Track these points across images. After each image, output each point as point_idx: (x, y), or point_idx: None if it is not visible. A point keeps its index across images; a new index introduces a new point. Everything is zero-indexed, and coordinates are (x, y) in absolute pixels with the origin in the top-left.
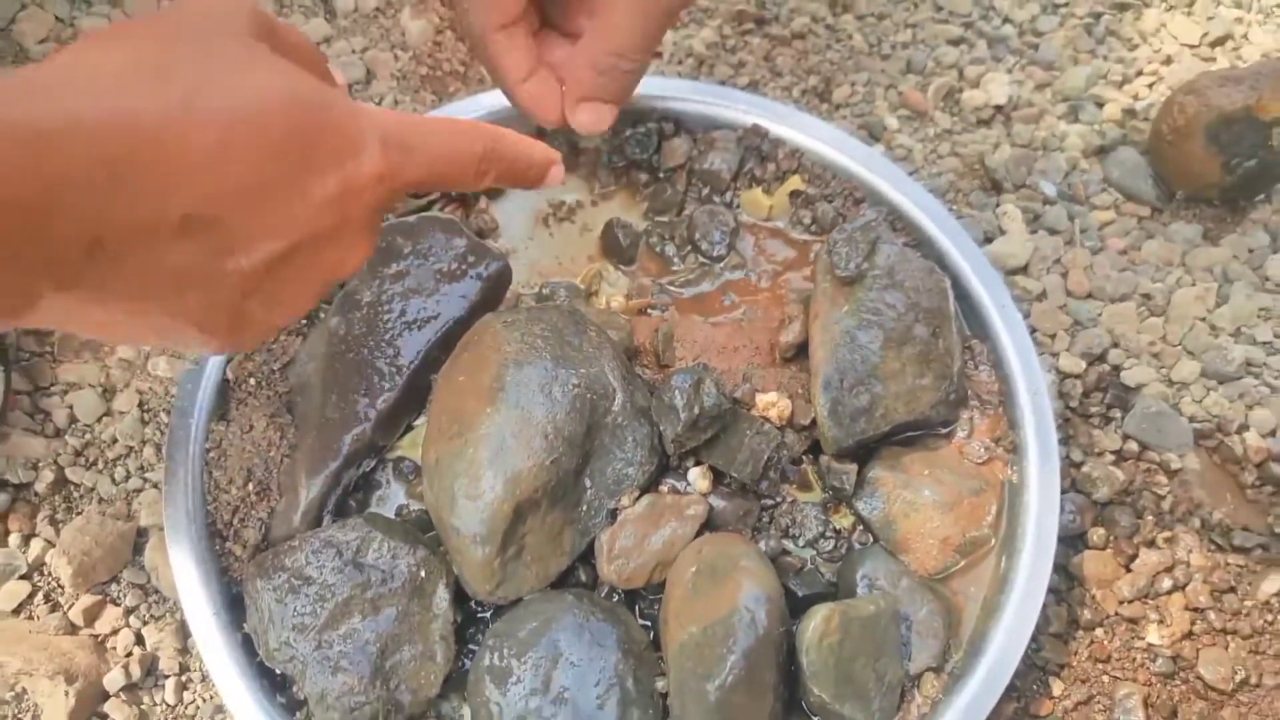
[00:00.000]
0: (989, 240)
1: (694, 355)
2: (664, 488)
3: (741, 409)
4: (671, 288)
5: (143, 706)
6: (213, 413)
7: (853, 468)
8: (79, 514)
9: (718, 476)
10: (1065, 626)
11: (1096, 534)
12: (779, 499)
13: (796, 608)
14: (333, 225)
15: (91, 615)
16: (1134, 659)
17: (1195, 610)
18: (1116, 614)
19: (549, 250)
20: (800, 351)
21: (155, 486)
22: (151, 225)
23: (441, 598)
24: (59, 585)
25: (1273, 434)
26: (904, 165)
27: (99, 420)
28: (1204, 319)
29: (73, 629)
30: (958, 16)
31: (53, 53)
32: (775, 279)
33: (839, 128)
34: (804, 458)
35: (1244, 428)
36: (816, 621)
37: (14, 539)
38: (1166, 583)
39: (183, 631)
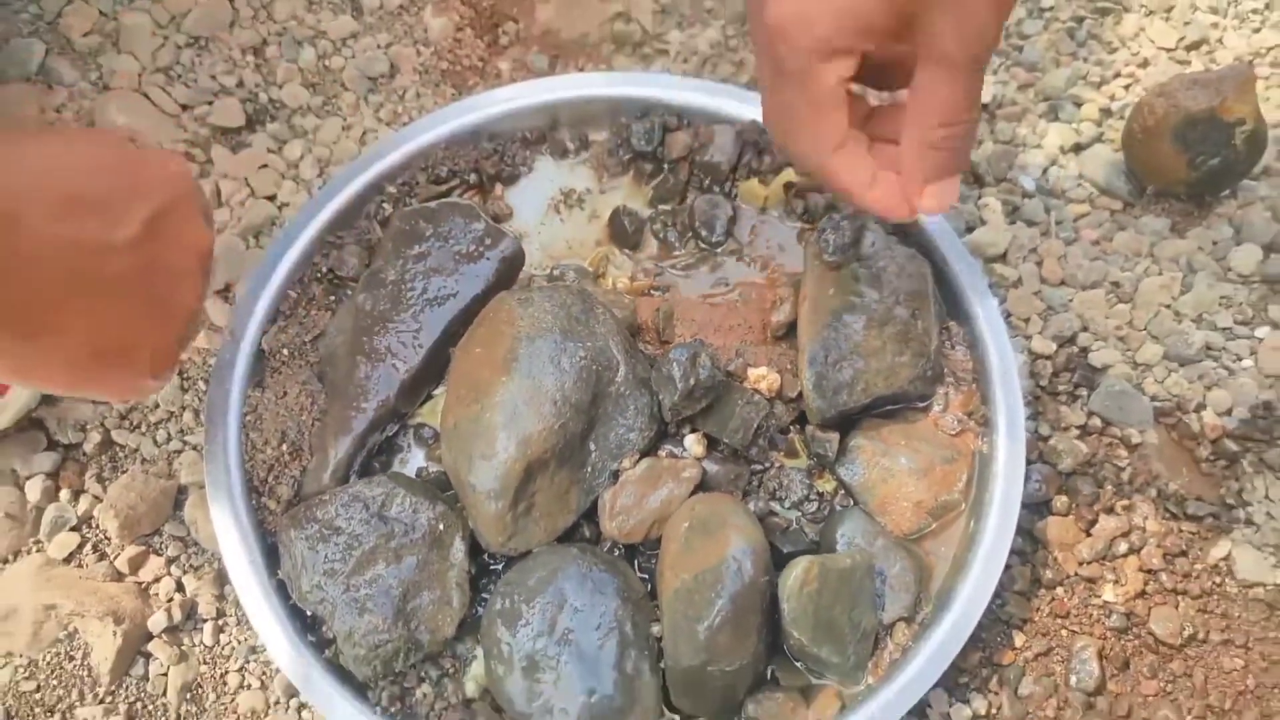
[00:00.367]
0: (970, 230)
1: (692, 333)
2: (662, 452)
3: (734, 381)
4: (673, 271)
5: (183, 647)
6: (249, 380)
7: (835, 436)
8: (124, 472)
9: (712, 443)
10: (1028, 585)
11: (1060, 501)
12: (767, 464)
13: (781, 563)
14: (172, 201)
15: (136, 564)
16: (1091, 615)
17: (1148, 572)
18: (1076, 574)
19: (560, 235)
20: (790, 330)
21: (194, 448)
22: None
23: (458, 549)
24: (106, 537)
25: (1228, 413)
26: None
27: None
28: (1169, 306)
29: (119, 576)
30: None
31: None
32: (769, 264)
33: None
34: (791, 427)
35: (1201, 406)
36: (797, 572)
37: (64, 494)
38: (1123, 546)
39: (220, 580)
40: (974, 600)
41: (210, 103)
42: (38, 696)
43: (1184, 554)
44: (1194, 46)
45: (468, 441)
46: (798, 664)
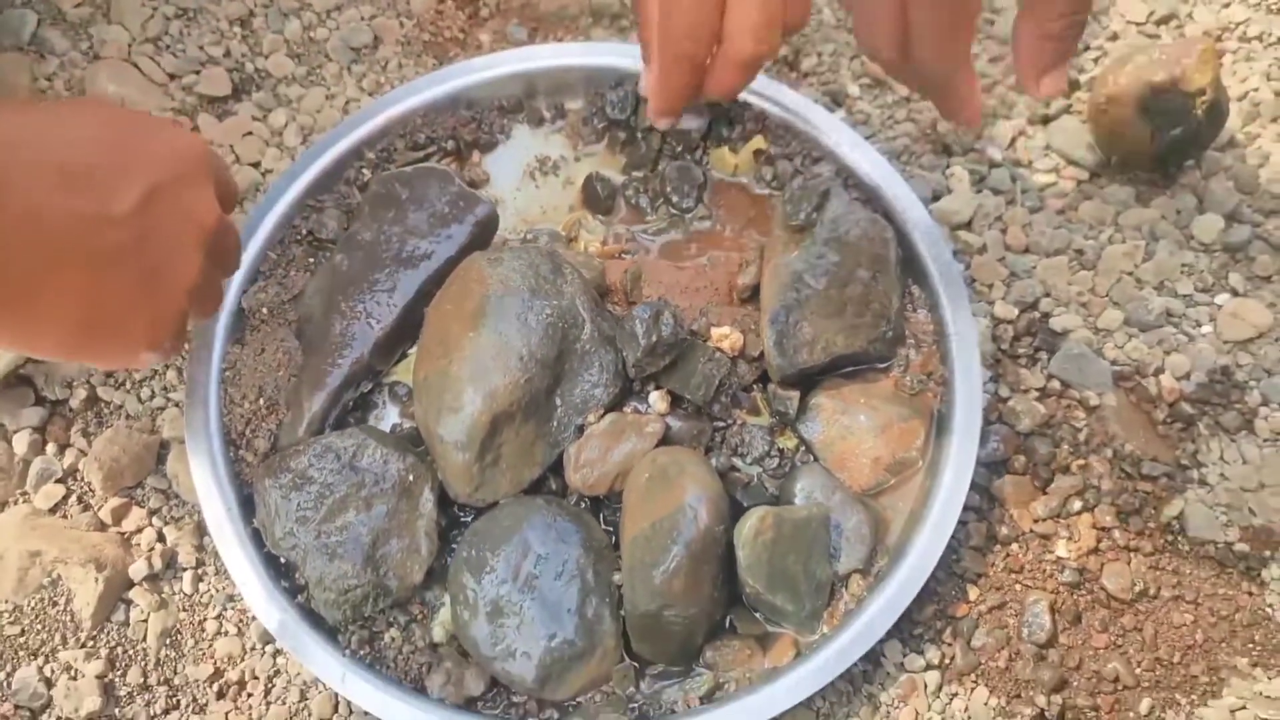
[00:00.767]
0: (937, 198)
1: (659, 294)
2: (627, 408)
3: (697, 340)
4: (644, 235)
5: (163, 594)
6: (229, 337)
7: (796, 394)
8: (108, 428)
9: (675, 400)
10: (984, 541)
11: (1018, 461)
12: (730, 421)
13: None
14: (175, 174)
15: (119, 515)
16: (1044, 570)
17: (1102, 529)
18: (1030, 531)
19: (534, 200)
20: (755, 293)
21: (177, 405)
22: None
23: (427, 499)
24: (90, 489)
25: (1186, 377)
26: (862, 129)
27: None
28: (1131, 273)
29: (102, 526)
30: None
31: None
32: (737, 229)
33: (802, 94)
34: (754, 386)
35: (1160, 370)
36: (752, 521)
37: (50, 448)
38: (1077, 505)
39: (199, 531)
40: (927, 553)
41: (198, 72)
42: (22, 640)
43: (1137, 512)
44: (1163, 21)
45: (436, 395)
46: (755, 613)
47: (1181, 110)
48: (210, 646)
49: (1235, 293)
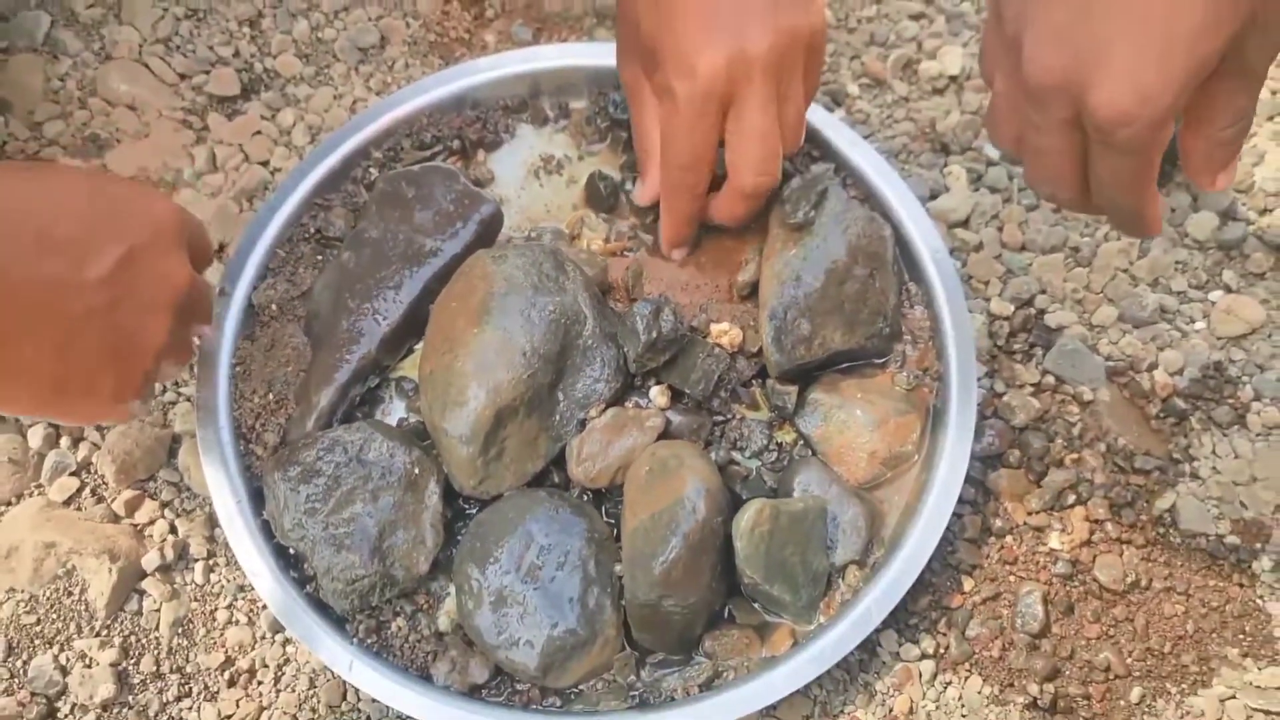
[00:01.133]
0: (934, 197)
1: (660, 291)
2: (628, 403)
3: (697, 336)
4: (645, 234)
5: (175, 585)
6: (239, 332)
7: (794, 389)
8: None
9: (676, 395)
10: (979, 533)
11: (1012, 455)
12: (729, 416)
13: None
14: (150, 239)
15: (132, 507)
16: (1038, 562)
17: (1095, 522)
18: (1024, 523)
19: (539, 199)
20: (755, 291)
21: (188, 400)
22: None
23: (432, 491)
24: (104, 481)
25: (1180, 372)
26: (861, 129)
27: None
28: (1125, 270)
29: (115, 518)
30: None
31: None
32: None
33: None
34: (753, 381)
35: (1154, 366)
36: (750, 513)
37: (64, 442)
38: (1071, 498)
39: (210, 522)
40: (922, 545)
41: (207, 72)
42: (38, 629)
43: (1130, 505)
44: None
45: (441, 389)
46: (754, 604)
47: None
48: (221, 635)
49: (1229, 289)
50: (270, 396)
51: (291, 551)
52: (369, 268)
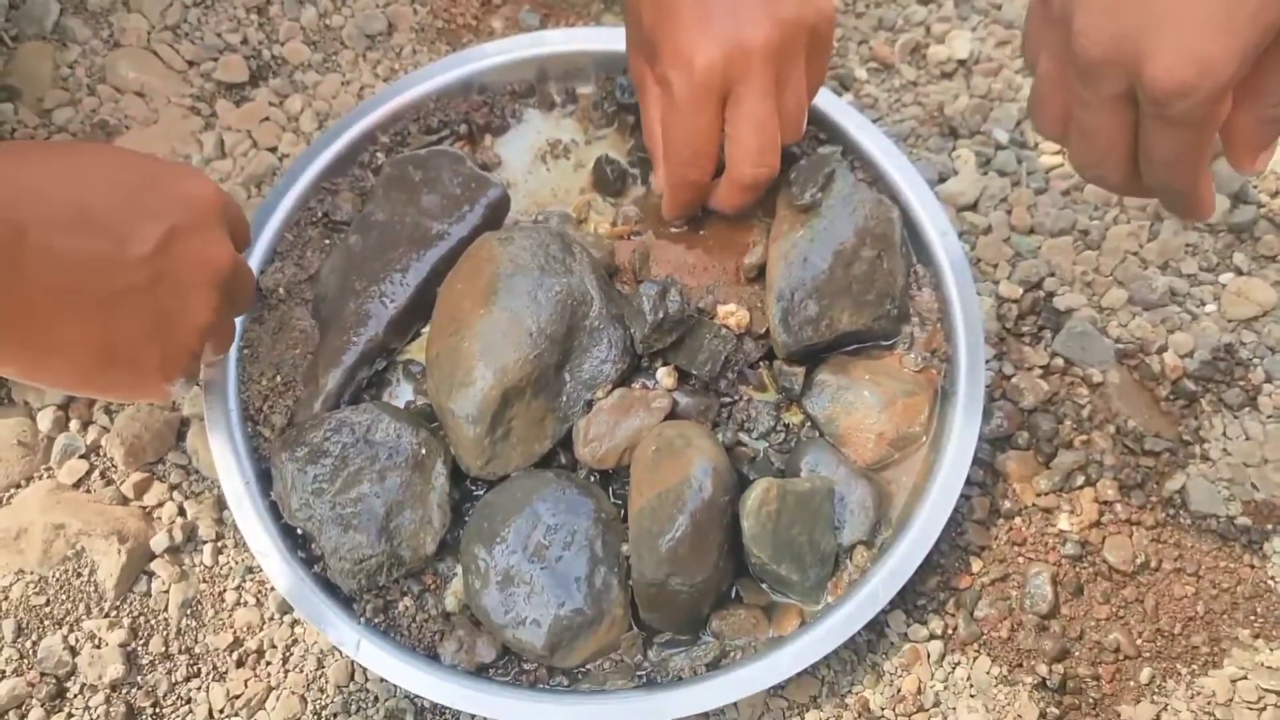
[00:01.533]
0: (943, 180)
1: (667, 273)
2: (635, 384)
3: (705, 317)
4: (654, 218)
5: (184, 566)
6: (247, 315)
7: (801, 370)
8: (130, 405)
9: (683, 376)
10: (987, 515)
11: (1021, 437)
12: (737, 397)
13: None
14: (190, 219)
15: (140, 489)
16: (1046, 543)
17: (1104, 503)
18: (1033, 505)
19: (546, 183)
20: (762, 273)
21: (197, 383)
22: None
23: (439, 472)
24: (113, 464)
25: (1190, 354)
26: (870, 113)
27: None
28: (1135, 253)
29: (124, 501)
30: None
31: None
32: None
33: None
34: (761, 363)
35: (1164, 348)
36: (757, 492)
37: (74, 425)
38: (1079, 479)
39: (219, 505)
40: (930, 525)
41: (215, 59)
42: (47, 610)
43: (1139, 487)
44: None
45: (448, 370)
46: (761, 584)
47: None
48: (230, 616)
49: (1240, 271)
50: (278, 379)
51: (299, 532)
52: (376, 251)
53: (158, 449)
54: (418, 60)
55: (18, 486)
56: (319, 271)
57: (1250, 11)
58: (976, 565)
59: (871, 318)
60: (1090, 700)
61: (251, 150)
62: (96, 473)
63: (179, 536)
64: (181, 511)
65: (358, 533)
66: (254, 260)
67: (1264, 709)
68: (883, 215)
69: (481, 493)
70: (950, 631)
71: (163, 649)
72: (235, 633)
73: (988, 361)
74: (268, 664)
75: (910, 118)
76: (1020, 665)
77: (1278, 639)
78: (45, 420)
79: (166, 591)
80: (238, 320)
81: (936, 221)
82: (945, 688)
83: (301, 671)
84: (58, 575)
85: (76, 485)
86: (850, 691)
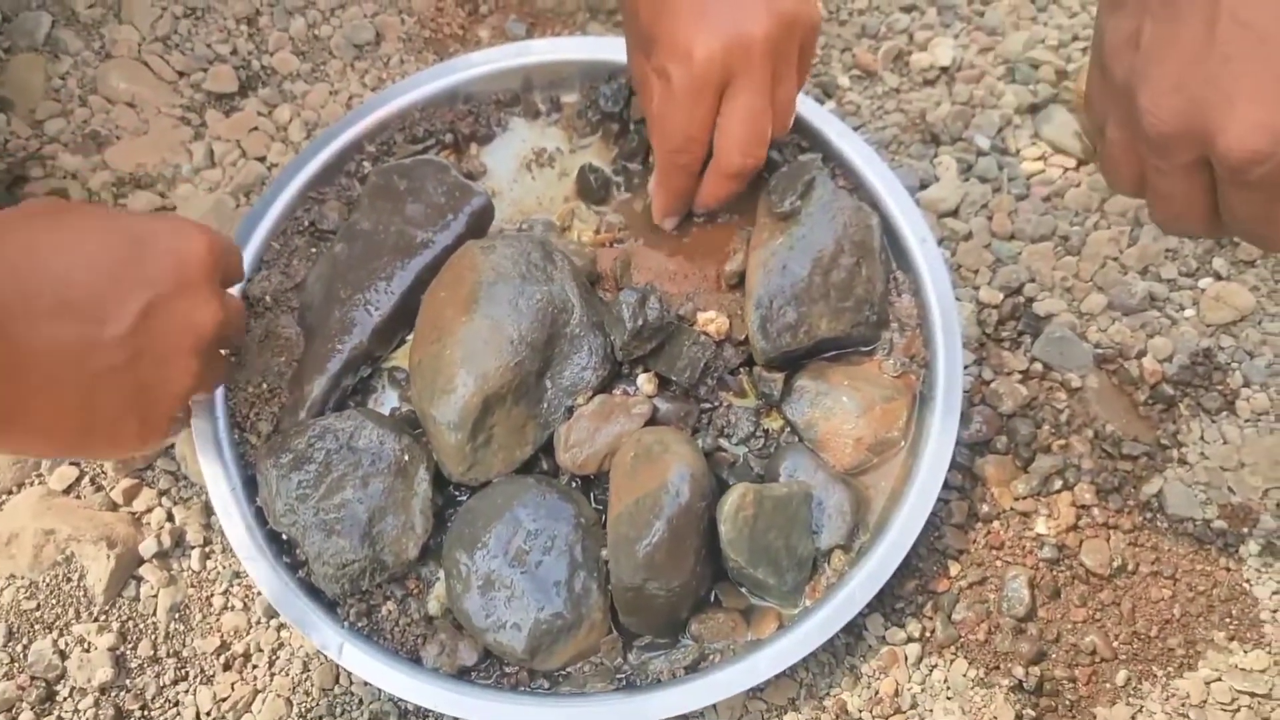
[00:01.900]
0: (924, 187)
1: (648, 281)
2: (616, 391)
3: (684, 324)
4: (637, 225)
5: (172, 571)
6: None
7: (780, 376)
8: None
9: (663, 383)
10: (965, 519)
11: (1000, 441)
12: (717, 403)
13: None
14: (176, 285)
15: (130, 495)
16: (1024, 547)
17: (1081, 507)
18: (1011, 509)
19: (531, 191)
20: (742, 280)
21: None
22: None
23: (422, 478)
24: (102, 471)
25: (1169, 359)
26: (852, 120)
27: None
28: (1115, 258)
29: (114, 506)
30: None
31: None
32: (726, 218)
33: None
34: (741, 369)
35: (1142, 353)
36: (734, 497)
37: None
38: (1057, 483)
39: (206, 511)
40: (908, 529)
41: (205, 70)
42: (38, 614)
43: (1117, 490)
44: None
45: (430, 377)
46: (740, 588)
47: None
48: (217, 620)
49: (1219, 276)
50: (264, 386)
51: (284, 537)
52: (361, 259)
53: (147, 456)
54: (405, 70)
55: (9, 493)
56: (305, 280)
57: None
58: (954, 569)
59: (850, 324)
60: (1067, 702)
61: (240, 160)
62: (86, 479)
63: (167, 542)
64: (170, 517)
65: (341, 538)
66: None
67: (1237, 710)
68: (862, 222)
69: (464, 498)
70: (928, 634)
71: (151, 653)
72: (222, 637)
73: (967, 366)
74: (254, 667)
75: (892, 125)
76: (997, 668)
77: (1252, 641)
78: None
79: (155, 596)
80: None
81: (916, 228)
82: (923, 690)
83: (287, 675)
84: (48, 580)
85: (67, 491)
86: (828, 694)
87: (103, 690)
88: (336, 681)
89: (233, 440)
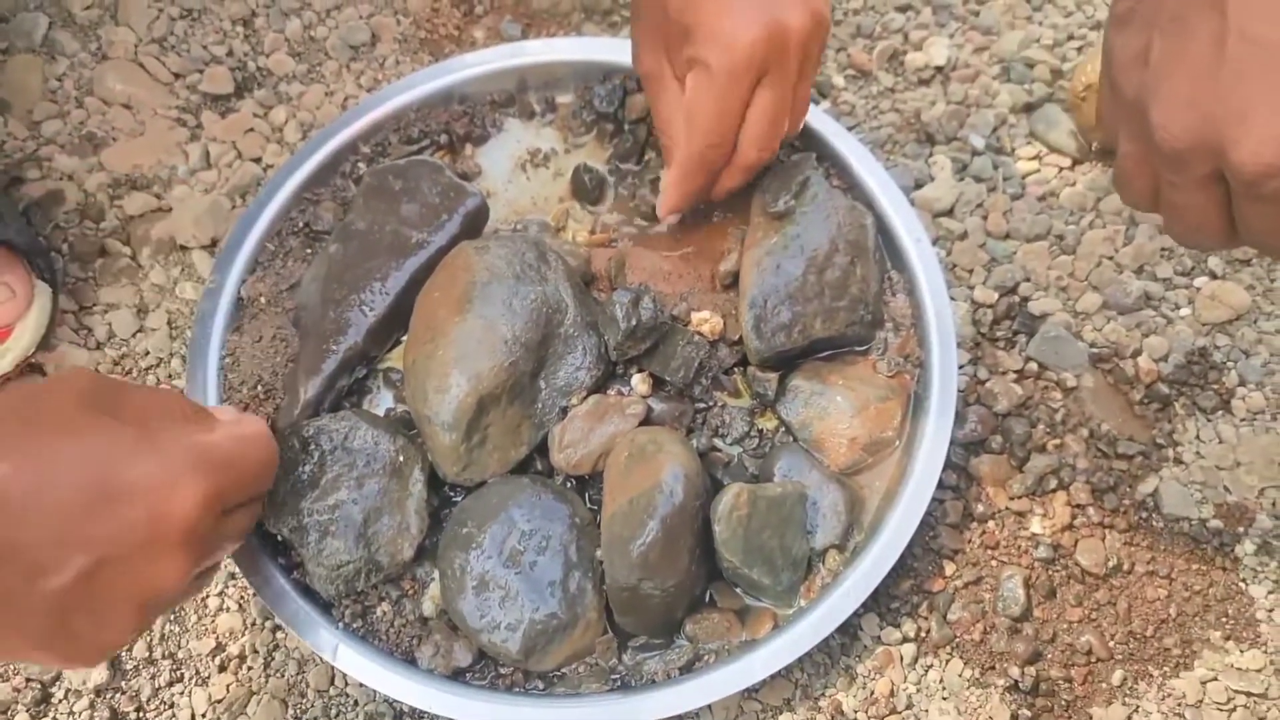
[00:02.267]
0: (919, 186)
1: (642, 281)
2: (610, 391)
3: (678, 324)
4: (630, 225)
5: None
6: (229, 325)
7: (774, 376)
8: None
9: (657, 383)
10: (960, 518)
11: (995, 441)
12: (711, 403)
13: None
14: (138, 544)
15: None
16: (1019, 546)
17: (1076, 506)
18: (1006, 508)
19: (526, 192)
20: (736, 280)
21: (182, 392)
22: None
23: (417, 479)
24: None
25: (1164, 358)
26: (847, 120)
27: (134, 335)
28: (1110, 257)
29: None
30: None
31: None
32: (720, 218)
33: None
34: (735, 369)
35: (1138, 352)
36: (728, 497)
37: None
38: (1052, 483)
39: None
40: (902, 529)
41: (201, 71)
42: None
43: (1112, 490)
44: None
45: (424, 377)
46: (735, 588)
47: None
48: (212, 622)
49: (1214, 275)
50: (259, 388)
51: (279, 538)
52: (356, 260)
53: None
54: (401, 71)
55: None
56: (299, 281)
57: None
58: (949, 568)
59: (845, 324)
60: (1062, 702)
61: (236, 161)
62: None
63: None
64: None
65: (336, 539)
66: (235, 270)
67: (1233, 710)
68: (856, 221)
69: (459, 499)
70: (923, 634)
71: (146, 654)
72: (218, 638)
73: (962, 366)
74: (249, 669)
75: (887, 124)
76: (993, 668)
77: (1248, 641)
78: None
79: None
80: (218, 332)
81: (910, 227)
82: (918, 690)
83: (283, 676)
84: None
85: None
86: (823, 694)
87: (98, 692)
88: (332, 683)
89: None
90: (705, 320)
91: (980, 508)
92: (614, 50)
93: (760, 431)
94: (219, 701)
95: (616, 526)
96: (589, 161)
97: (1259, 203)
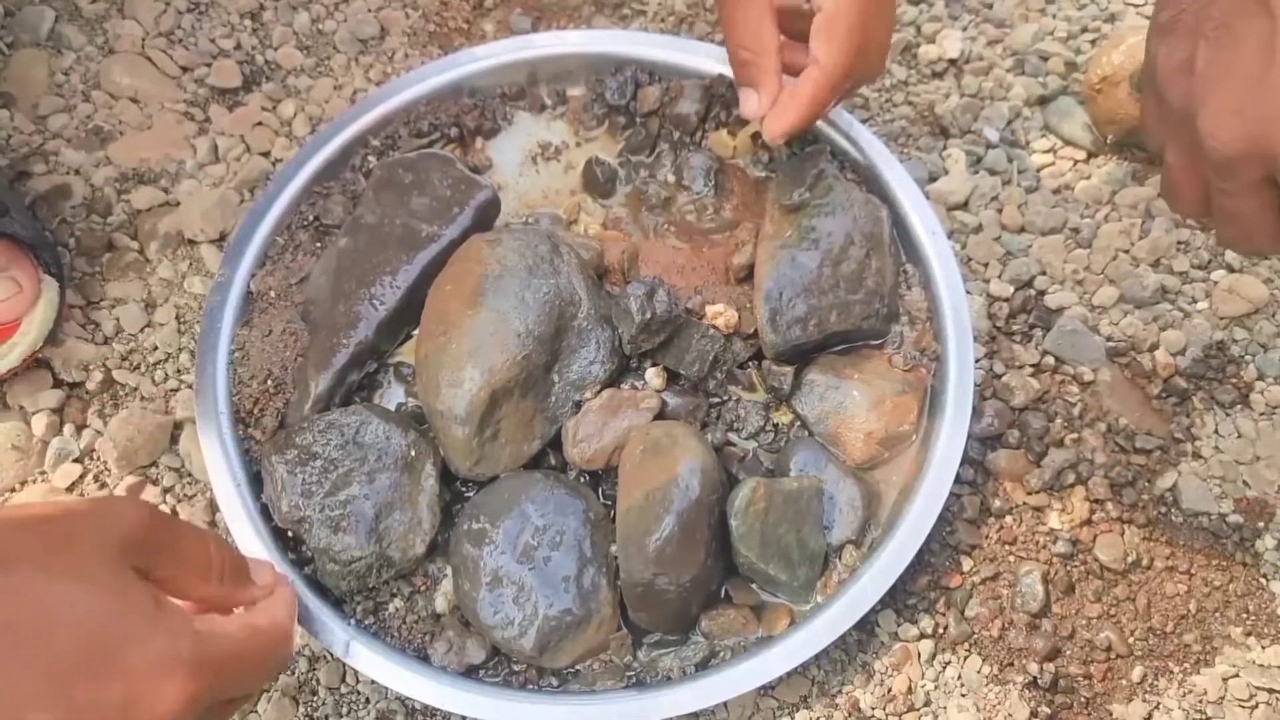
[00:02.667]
0: (933, 179)
1: (655, 273)
2: (624, 385)
3: (693, 318)
4: (643, 218)
5: None
6: (238, 319)
7: (790, 370)
8: (124, 409)
9: (672, 377)
10: (978, 514)
11: (1012, 435)
12: (726, 397)
13: None
14: None
15: (134, 493)
16: (1037, 542)
17: (1095, 501)
18: (1024, 503)
19: (536, 185)
20: (751, 273)
21: (190, 386)
22: None
23: (429, 474)
24: (106, 468)
25: (1182, 352)
26: (860, 113)
27: (141, 330)
28: (1127, 250)
29: None
30: None
31: None
32: (735, 211)
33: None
34: (750, 363)
35: (1155, 346)
36: (745, 491)
37: (68, 429)
38: (1070, 477)
39: (211, 507)
40: (920, 524)
41: (209, 65)
42: None
43: (1130, 485)
44: None
45: (436, 371)
46: (751, 584)
47: None
48: None
49: (1231, 269)
50: (269, 382)
51: (290, 534)
52: (366, 253)
53: (150, 452)
54: (410, 64)
55: (12, 490)
56: (309, 275)
57: None
58: (967, 564)
59: (860, 317)
60: (1082, 699)
61: (244, 155)
62: (90, 476)
63: None
64: (174, 514)
65: (348, 534)
66: (245, 264)
67: (1255, 706)
68: (872, 214)
69: (471, 494)
70: (941, 630)
71: None
72: None
73: (978, 360)
74: None
75: (901, 117)
76: (1011, 664)
77: (1270, 637)
78: (39, 424)
79: None
80: (228, 326)
81: (926, 220)
82: (936, 687)
83: (293, 674)
84: None
85: (70, 489)
86: (840, 691)
87: None
88: (343, 680)
89: (237, 436)
90: (720, 313)
91: (998, 503)
92: (625, 42)
93: (775, 426)
94: None
95: (632, 520)
96: (600, 154)
97: None
